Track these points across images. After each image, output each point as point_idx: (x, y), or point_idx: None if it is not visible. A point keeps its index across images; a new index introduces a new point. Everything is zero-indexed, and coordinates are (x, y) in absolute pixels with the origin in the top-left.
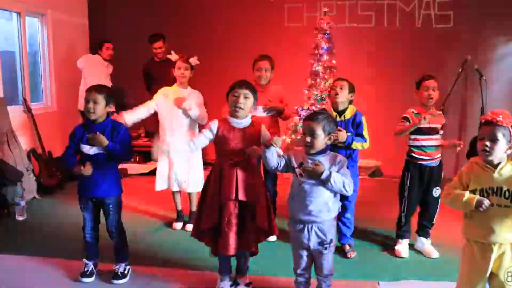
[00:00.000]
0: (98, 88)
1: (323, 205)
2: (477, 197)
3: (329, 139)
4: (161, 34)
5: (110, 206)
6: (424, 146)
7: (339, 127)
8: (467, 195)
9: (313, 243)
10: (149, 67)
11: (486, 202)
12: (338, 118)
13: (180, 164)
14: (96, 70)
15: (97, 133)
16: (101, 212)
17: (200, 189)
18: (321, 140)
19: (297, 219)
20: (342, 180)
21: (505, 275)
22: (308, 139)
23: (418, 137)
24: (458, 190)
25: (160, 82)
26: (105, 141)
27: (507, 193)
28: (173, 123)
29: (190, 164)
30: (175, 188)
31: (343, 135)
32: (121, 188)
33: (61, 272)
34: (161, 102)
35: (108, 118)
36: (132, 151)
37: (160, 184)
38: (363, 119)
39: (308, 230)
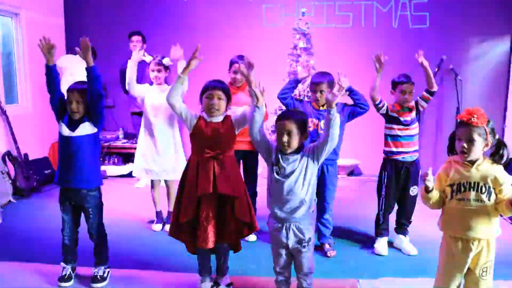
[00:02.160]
0: (79, 88)
1: (300, 202)
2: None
3: (305, 137)
4: (141, 32)
5: (90, 210)
6: (399, 136)
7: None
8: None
9: (292, 242)
10: (126, 68)
11: (429, 181)
12: (321, 108)
13: (158, 153)
14: (78, 70)
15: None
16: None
17: (178, 177)
18: (297, 138)
19: (276, 216)
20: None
21: (480, 271)
22: (285, 138)
23: (394, 126)
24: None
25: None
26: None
27: (483, 188)
28: (155, 114)
29: (168, 153)
30: (153, 177)
31: (346, 81)
32: (101, 180)
33: (38, 277)
34: (146, 92)
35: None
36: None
37: (138, 172)
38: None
39: (286, 229)
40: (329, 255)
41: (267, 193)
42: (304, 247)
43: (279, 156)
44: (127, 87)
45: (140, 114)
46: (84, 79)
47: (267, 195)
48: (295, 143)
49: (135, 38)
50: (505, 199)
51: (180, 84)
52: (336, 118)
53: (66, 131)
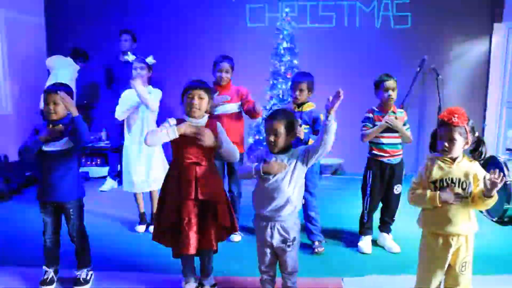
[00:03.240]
0: (56, 89)
1: (286, 200)
2: (438, 192)
3: (292, 137)
4: (131, 31)
5: (71, 210)
6: (383, 144)
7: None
8: (429, 193)
9: (276, 241)
10: (111, 67)
11: (451, 197)
12: (296, 109)
13: (139, 164)
14: (63, 74)
15: (51, 126)
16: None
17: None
18: (284, 138)
19: (261, 215)
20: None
21: (460, 267)
22: (272, 138)
23: (378, 134)
24: (419, 190)
25: (122, 83)
26: (61, 129)
27: (464, 184)
28: (135, 123)
29: (150, 163)
30: (136, 190)
31: (301, 132)
32: (83, 191)
33: (20, 281)
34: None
35: (68, 116)
36: (88, 132)
37: (126, 185)
38: (321, 116)
39: (271, 228)
40: (316, 251)
41: (253, 193)
42: (288, 246)
43: (266, 155)
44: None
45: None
46: (68, 83)
47: (252, 195)
48: (281, 143)
49: (124, 37)
50: (477, 191)
51: (168, 136)
52: (333, 125)
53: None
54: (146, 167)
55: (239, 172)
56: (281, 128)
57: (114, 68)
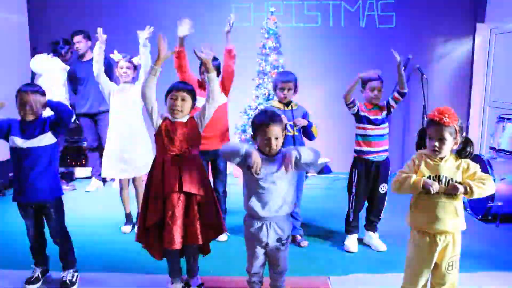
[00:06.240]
0: (33, 90)
1: (282, 200)
2: (424, 178)
3: (283, 139)
4: (84, 30)
5: (51, 210)
6: (369, 136)
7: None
8: (414, 177)
9: (272, 240)
10: (73, 68)
11: (436, 186)
12: (286, 108)
13: (125, 149)
14: (54, 76)
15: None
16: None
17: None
18: (281, 140)
19: (257, 216)
20: (308, 151)
21: (446, 266)
22: (274, 142)
23: (365, 126)
24: (405, 174)
25: (86, 83)
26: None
27: (451, 182)
28: (121, 112)
29: (135, 149)
30: (114, 176)
31: (303, 121)
32: (61, 190)
33: (4, 283)
34: (115, 88)
35: (40, 116)
36: (71, 111)
37: (106, 171)
38: (307, 111)
39: (267, 227)
40: (302, 245)
41: (246, 194)
42: (283, 245)
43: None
44: (95, 74)
45: (87, 115)
46: (55, 90)
47: (245, 196)
48: (280, 145)
49: (76, 39)
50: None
51: (154, 75)
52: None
53: (18, 141)
54: (134, 154)
55: (223, 148)
56: (280, 131)
57: (76, 69)
